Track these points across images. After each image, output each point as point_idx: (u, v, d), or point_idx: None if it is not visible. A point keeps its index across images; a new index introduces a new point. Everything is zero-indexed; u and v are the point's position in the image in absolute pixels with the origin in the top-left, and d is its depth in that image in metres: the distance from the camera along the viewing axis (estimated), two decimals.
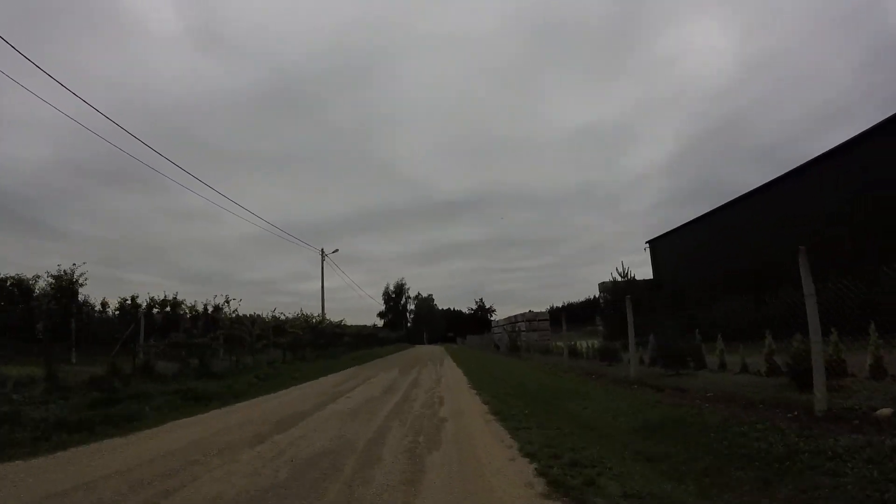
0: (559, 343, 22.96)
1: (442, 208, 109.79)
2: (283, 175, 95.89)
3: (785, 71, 75.14)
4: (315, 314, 26.55)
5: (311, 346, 21.67)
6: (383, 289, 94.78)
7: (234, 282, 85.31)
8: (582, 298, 77.50)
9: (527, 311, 34.43)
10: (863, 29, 64.08)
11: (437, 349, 44.93)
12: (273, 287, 80.00)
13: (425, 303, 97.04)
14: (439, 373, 16.02)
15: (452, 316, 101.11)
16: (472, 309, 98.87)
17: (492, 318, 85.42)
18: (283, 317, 19.14)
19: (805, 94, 74.98)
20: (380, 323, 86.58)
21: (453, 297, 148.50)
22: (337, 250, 31.86)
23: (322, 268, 30.61)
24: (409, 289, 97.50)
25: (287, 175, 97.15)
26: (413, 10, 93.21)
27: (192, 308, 15.66)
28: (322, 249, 31.19)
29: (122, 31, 66.73)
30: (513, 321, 35.23)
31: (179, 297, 15.66)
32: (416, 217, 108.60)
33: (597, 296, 32.47)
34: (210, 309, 15.58)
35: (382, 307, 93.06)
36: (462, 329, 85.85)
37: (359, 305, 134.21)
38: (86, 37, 65.84)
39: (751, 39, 78.07)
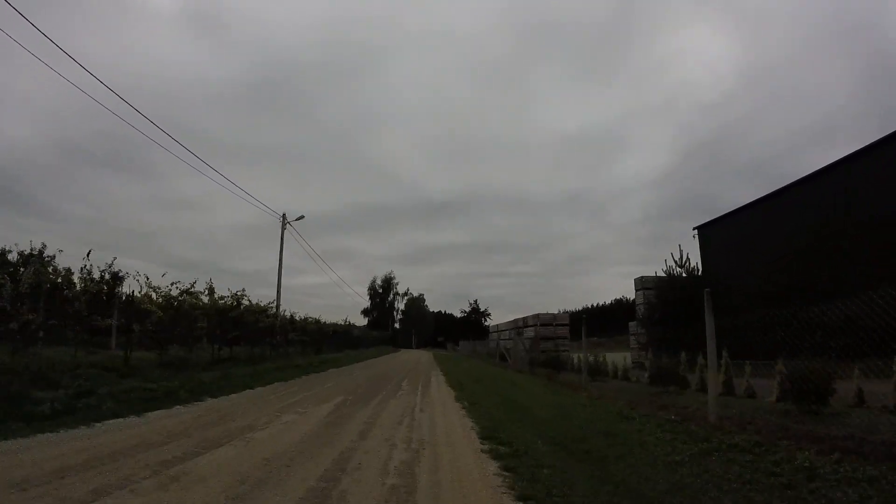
0: (576, 355, 17.48)
1: (429, 209, 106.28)
2: (266, 169, 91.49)
3: (780, 84, 72.67)
4: (269, 303, 19.56)
5: (225, 340, 14.59)
6: (369, 283, 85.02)
7: (220, 270, 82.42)
8: (567, 309, 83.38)
9: (535, 314, 27.73)
10: (862, 44, 61.84)
11: (424, 356, 38.10)
12: (263, 279, 78.52)
13: (415, 303, 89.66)
14: (421, 414, 7.59)
15: (443, 319, 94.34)
16: (465, 311, 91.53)
17: (487, 323, 78.59)
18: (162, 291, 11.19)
19: (799, 110, 73.11)
20: (364, 321, 78.22)
21: (437, 300, 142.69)
22: (303, 217, 24.72)
23: (282, 238, 23.57)
24: (397, 284, 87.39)
25: (270, 169, 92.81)
26: (403, 5, 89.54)
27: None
28: (283, 215, 24.17)
29: (115, 9, 61.60)
30: (519, 326, 28.21)
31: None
32: (403, 217, 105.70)
33: (625, 298, 25.62)
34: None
35: (367, 303, 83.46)
36: (453, 333, 79.27)
37: (352, 303, 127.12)
38: (76, 15, 59.68)
39: (748, 50, 75.27)
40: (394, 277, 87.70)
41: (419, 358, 33.35)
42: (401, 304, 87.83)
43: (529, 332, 25.53)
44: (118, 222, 69.61)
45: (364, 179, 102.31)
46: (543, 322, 23.95)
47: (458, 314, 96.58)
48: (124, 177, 75.48)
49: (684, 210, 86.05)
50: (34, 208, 60.28)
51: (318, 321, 28.48)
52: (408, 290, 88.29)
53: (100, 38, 60.03)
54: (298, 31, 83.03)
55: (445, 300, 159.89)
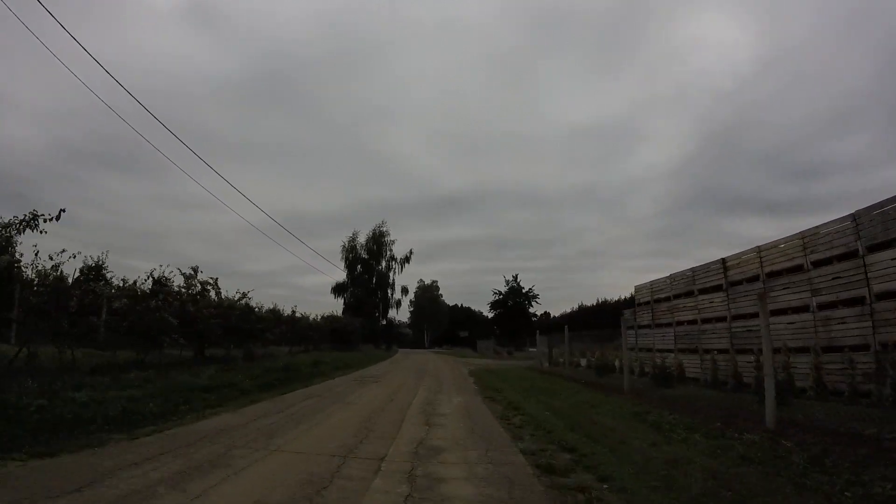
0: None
1: (438, 204, 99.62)
2: (270, 165, 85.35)
3: (797, 69, 68.19)
4: None
5: None
6: (343, 242, 49.89)
7: (233, 272, 75.47)
8: (572, 308, 69.94)
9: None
10: (880, 27, 56.76)
11: (445, 372, 17.70)
12: (274, 280, 69.63)
13: (428, 291, 74.57)
14: None
15: (460, 313, 79.68)
16: (498, 293, 63.50)
17: (535, 314, 61.84)
18: None
19: (815, 96, 68.77)
20: (338, 306, 48.55)
21: (447, 297, 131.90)
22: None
23: None
24: (393, 244, 50.98)
25: (274, 166, 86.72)
26: None
27: None
28: None
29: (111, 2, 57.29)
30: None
31: None
32: (411, 213, 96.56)
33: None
34: None
35: (344, 276, 49.48)
36: (475, 330, 64.60)
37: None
38: (70, 9, 47.96)
39: (764, 35, 70.57)
40: (387, 232, 50.67)
41: (432, 383, 13.10)
42: (398, 274, 52.06)
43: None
44: (127, 224, 64.74)
45: (371, 175, 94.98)
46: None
47: (476, 308, 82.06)
48: (130, 177, 70.46)
49: (700, 201, 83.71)
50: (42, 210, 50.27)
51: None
52: (409, 253, 52.20)
53: (96, 32, 54.79)
54: (302, 24, 78.84)
55: (457, 297, 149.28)
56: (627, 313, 15.69)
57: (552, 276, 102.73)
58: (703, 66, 77.58)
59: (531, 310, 60.72)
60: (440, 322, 74.01)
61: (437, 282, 76.17)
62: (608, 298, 67.62)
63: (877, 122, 67.91)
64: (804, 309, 8.39)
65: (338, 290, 50.01)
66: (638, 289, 15.22)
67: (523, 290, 62.24)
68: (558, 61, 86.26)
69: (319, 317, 26.18)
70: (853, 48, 64.10)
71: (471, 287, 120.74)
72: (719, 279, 11.00)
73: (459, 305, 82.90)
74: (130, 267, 58.84)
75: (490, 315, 64.29)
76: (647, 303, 14.36)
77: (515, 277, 62.36)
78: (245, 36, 74.02)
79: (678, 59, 79.26)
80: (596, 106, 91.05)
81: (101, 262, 11.64)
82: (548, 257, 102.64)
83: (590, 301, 72.99)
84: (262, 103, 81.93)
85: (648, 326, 14.08)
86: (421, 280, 74.88)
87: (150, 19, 61.60)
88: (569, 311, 78.35)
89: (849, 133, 69.31)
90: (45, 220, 7.24)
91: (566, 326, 17.27)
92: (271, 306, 20.35)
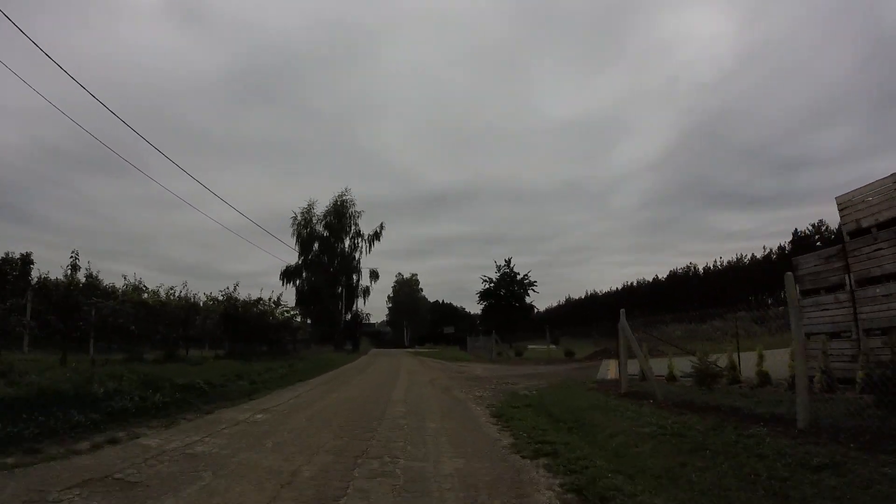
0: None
1: (424, 200, 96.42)
2: (256, 162, 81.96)
3: (779, 63, 67.30)
4: None
5: None
6: (296, 214, 39.37)
7: (216, 273, 71.21)
8: (560, 301, 67.12)
9: None
10: (862, 20, 55.82)
11: (424, 387, 11.95)
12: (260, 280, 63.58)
13: (407, 286, 66.30)
14: None
15: (443, 310, 71.74)
16: (487, 280, 53.33)
17: (533, 305, 53.43)
18: None
19: (797, 90, 68.33)
20: (290, 293, 38.26)
21: (432, 294, 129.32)
22: None
23: None
24: (359, 215, 40.31)
25: (261, 162, 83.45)
26: None
27: None
28: None
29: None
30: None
31: None
32: (396, 209, 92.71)
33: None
34: None
35: (296, 257, 39.22)
36: (460, 328, 56.69)
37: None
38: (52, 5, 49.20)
39: (749, 27, 69.52)
40: (352, 202, 39.80)
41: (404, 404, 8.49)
42: (365, 254, 40.76)
43: None
44: (110, 227, 61.87)
45: (355, 170, 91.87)
46: None
47: (457, 304, 74.33)
48: (114, 180, 68.42)
49: (684, 194, 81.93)
50: (23, 216, 53.55)
51: None
52: (379, 228, 40.75)
53: (80, 29, 53.27)
54: (287, 16, 75.21)
55: (441, 295, 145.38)
56: (805, 260, 7.88)
57: (538, 272, 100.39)
58: (688, 58, 76.76)
59: (528, 300, 52.20)
60: (421, 319, 66.23)
61: (416, 275, 68.57)
62: (597, 291, 63.15)
63: (860, 113, 66.20)
64: None
65: (288, 275, 38.09)
66: (848, 203, 7.34)
67: (517, 277, 52.51)
68: (546, 54, 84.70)
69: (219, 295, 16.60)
70: (836, 40, 63.10)
71: (455, 284, 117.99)
72: None
73: (442, 302, 75.31)
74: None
75: (480, 307, 55.13)
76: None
77: (508, 262, 53.20)
78: (230, 30, 71.36)
79: (664, 51, 78.05)
80: (583, 99, 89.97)
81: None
82: (534, 253, 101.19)
83: (577, 295, 68.00)
84: (248, 99, 79.05)
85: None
86: (399, 274, 67.13)
87: (132, 14, 57.25)
88: (554, 304, 72.13)
89: (832, 124, 68.42)
90: None
91: (622, 311, 9.34)
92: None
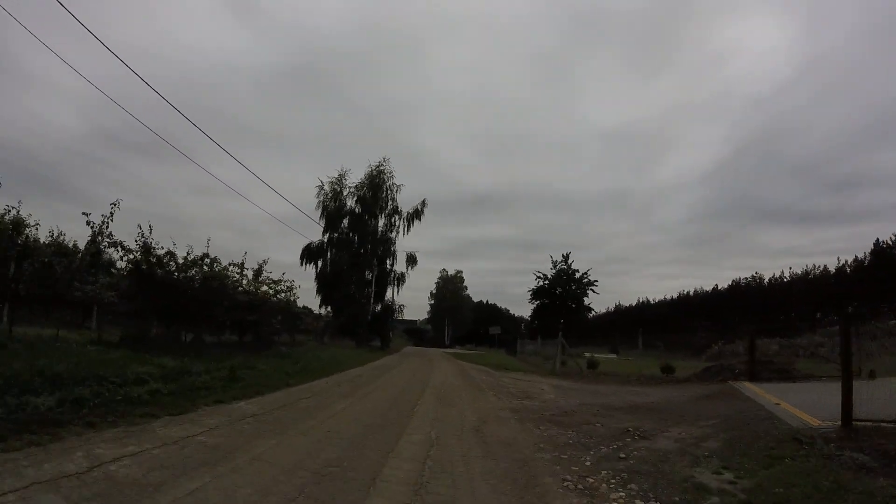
0: None
1: (467, 203, 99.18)
2: (304, 157, 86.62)
3: (836, 77, 65.24)
4: None
5: None
6: (322, 183, 32.15)
7: (259, 260, 63.68)
8: (609, 308, 61.70)
9: None
10: None
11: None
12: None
13: (451, 283, 64.31)
14: None
15: (486, 310, 69.10)
16: (542, 276, 47.21)
17: (591, 308, 47.50)
18: None
19: (854, 105, 65.33)
20: (311, 280, 33.21)
21: (472, 295, 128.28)
22: None
23: None
24: (398, 189, 33.35)
25: (309, 157, 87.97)
26: None
27: None
28: None
29: None
30: None
31: None
32: (439, 210, 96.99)
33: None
34: None
35: (321, 233, 32.71)
36: (507, 329, 53.97)
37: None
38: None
39: (805, 40, 69.33)
40: (390, 174, 33.20)
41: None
42: (403, 235, 34.14)
43: None
44: (158, 209, 66.05)
45: (400, 168, 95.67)
46: None
47: (503, 306, 71.35)
48: (165, 166, 74.40)
49: (733, 209, 79.41)
50: (73, 195, 59.81)
51: None
52: (421, 206, 33.99)
53: (137, 24, 56.03)
54: (338, 17, 77.81)
55: (481, 297, 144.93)
56: None
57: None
58: (741, 71, 75.15)
59: (586, 301, 47.07)
60: (464, 318, 64.14)
61: (461, 272, 66.44)
62: (649, 299, 58.22)
63: None
64: None
65: (309, 254, 31.46)
66: None
67: (575, 275, 46.30)
68: (595, 62, 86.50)
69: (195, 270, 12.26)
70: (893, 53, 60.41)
71: (496, 286, 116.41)
72: None
73: (486, 302, 72.87)
74: None
75: (531, 307, 49.72)
76: None
77: (566, 257, 46.86)
78: (283, 27, 74.73)
79: (716, 63, 77.59)
80: (631, 109, 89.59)
81: None
82: (574, 261, 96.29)
83: (627, 303, 63.89)
84: (299, 94, 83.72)
85: None
86: (444, 270, 65.66)
87: (191, 11, 62.01)
88: (602, 311, 67.88)
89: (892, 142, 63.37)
90: None
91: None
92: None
